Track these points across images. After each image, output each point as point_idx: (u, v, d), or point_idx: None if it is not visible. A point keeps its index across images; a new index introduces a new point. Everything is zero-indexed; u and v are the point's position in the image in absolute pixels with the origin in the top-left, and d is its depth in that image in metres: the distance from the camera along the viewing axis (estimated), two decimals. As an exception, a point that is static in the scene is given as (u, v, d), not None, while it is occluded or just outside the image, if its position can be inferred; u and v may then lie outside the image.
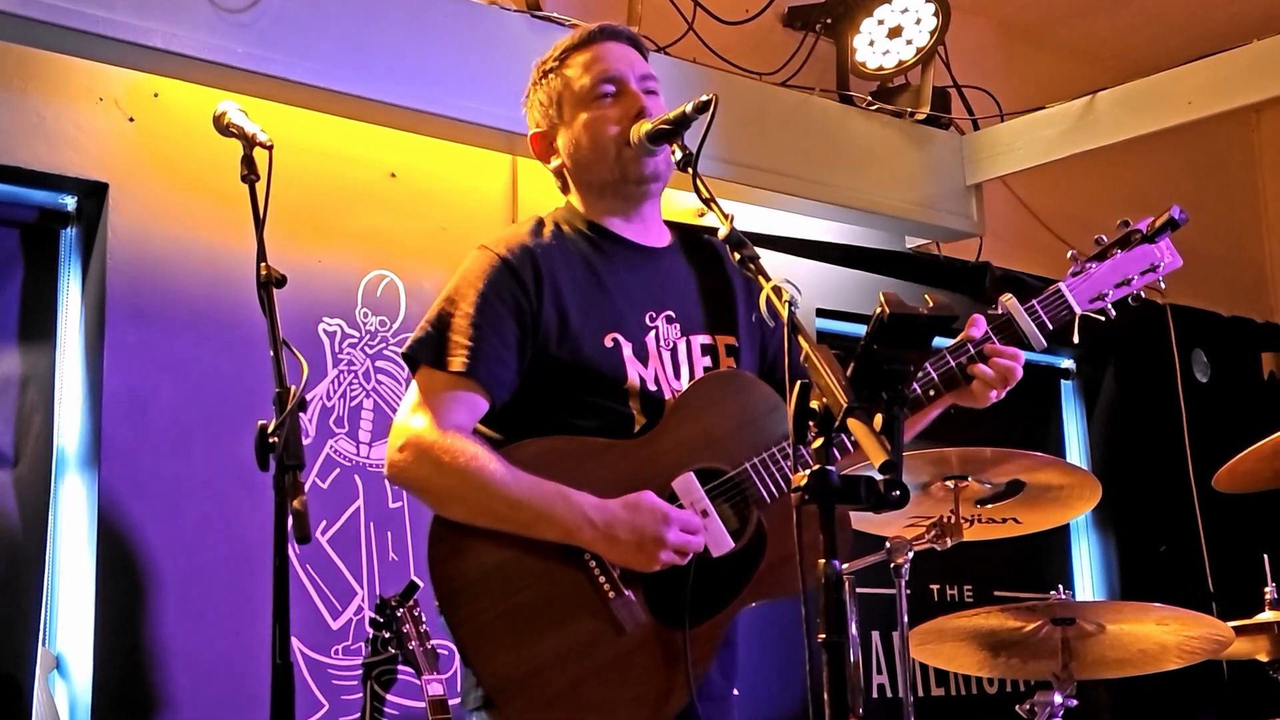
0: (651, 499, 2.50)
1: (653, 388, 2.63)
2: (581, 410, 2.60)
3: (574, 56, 2.76)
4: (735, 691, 2.73)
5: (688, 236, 2.86)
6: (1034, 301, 2.66)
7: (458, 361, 2.55)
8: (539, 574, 2.51)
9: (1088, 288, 2.70)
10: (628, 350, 2.63)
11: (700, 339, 2.72)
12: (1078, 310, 2.68)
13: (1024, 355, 2.64)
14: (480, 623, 2.49)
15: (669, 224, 2.86)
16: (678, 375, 2.67)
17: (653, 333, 2.68)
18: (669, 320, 2.70)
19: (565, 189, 2.82)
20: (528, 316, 2.60)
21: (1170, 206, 2.74)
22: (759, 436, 2.60)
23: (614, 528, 2.48)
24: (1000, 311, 2.65)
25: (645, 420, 2.61)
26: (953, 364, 2.61)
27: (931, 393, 2.62)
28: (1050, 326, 2.66)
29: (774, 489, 2.56)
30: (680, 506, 2.53)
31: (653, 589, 2.52)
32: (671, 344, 2.69)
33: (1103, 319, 2.73)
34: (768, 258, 2.87)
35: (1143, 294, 2.75)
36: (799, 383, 1.96)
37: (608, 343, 2.63)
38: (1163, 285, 2.77)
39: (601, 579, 2.51)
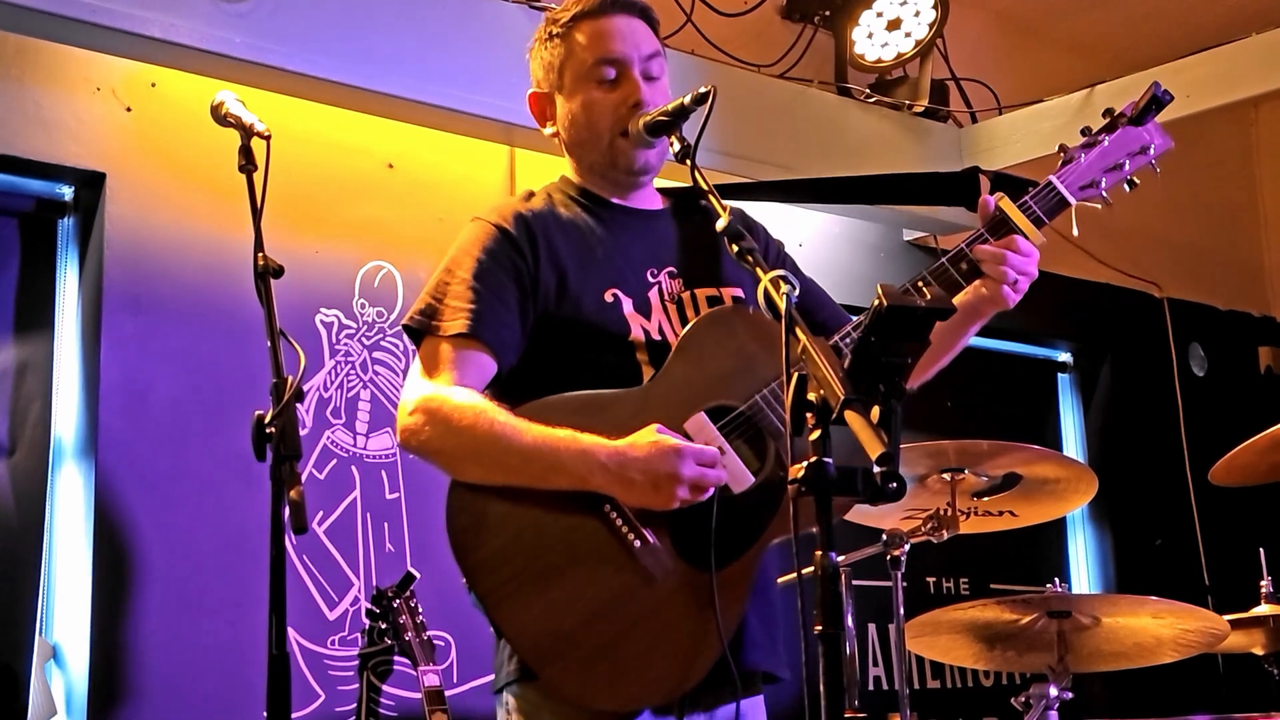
0: (663, 436, 2.44)
1: (658, 338, 2.61)
2: (589, 369, 2.58)
3: (583, 24, 2.72)
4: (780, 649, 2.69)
5: (681, 199, 2.85)
6: (1026, 197, 2.66)
7: (459, 324, 2.54)
8: (561, 533, 2.47)
9: (1078, 176, 2.69)
10: (628, 305, 2.62)
11: (705, 291, 2.70)
12: (1072, 200, 2.68)
13: (1023, 244, 2.63)
14: (507, 591, 2.45)
15: (661, 191, 2.86)
16: (685, 326, 2.64)
17: (655, 288, 2.66)
18: (671, 276, 2.69)
19: (563, 152, 2.83)
20: (526, 279, 2.59)
21: (1151, 84, 2.73)
22: (766, 368, 2.54)
23: (626, 469, 2.42)
24: (995, 211, 2.65)
25: (654, 370, 2.59)
26: (950, 270, 2.60)
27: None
28: (1045, 219, 2.66)
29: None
30: None
31: (679, 532, 2.47)
32: (676, 296, 2.67)
33: (1099, 206, 2.72)
34: (757, 210, 2.88)
35: (1137, 180, 2.73)
36: (796, 374, 1.96)
37: (608, 298, 2.61)
38: (1157, 169, 2.75)
39: (623, 527, 2.45)
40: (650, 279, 2.68)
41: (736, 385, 2.56)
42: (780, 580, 2.70)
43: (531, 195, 2.75)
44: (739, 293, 2.73)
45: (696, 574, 2.47)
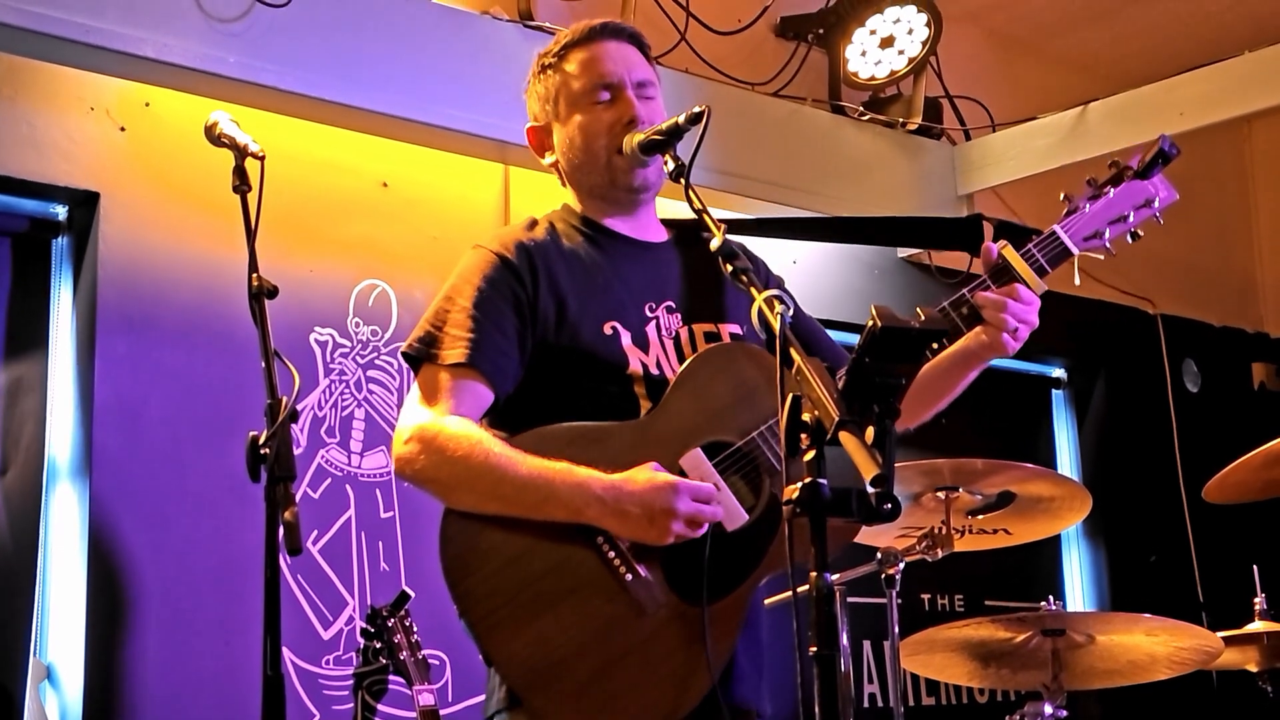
0: (659, 471, 2.47)
1: (655, 373, 2.63)
2: (587, 398, 2.60)
3: (574, 53, 2.76)
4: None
5: (684, 231, 2.86)
6: (1030, 245, 2.67)
7: (457, 353, 2.55)
8: (553, 562, 2.48)
9: (1082, 226, 2.70)
10: (626, 339, 2.63)
11: (703, 327, 2.72)
12: (1075, 250, 2.68)
13: (1025, 292, 2.64)
14: (498, 618, 2.47)
15: (665, 222, 2.87)
16: (681, 362, 2.65)
17: (653, 323, 2.68)
18: (669, 310, 2.71)
19: (563, 182, 2.84)
20: (525, 308, 2.60)
21: (1159, 138, 2.73)
22: (763, 405, 2.56)
23: (622, 502, 2.44)
24: (997, 258, 2.66)
25: (651, 404, 2.60)
26: (951, 314, 2.61)
27: (935, 346, 2.61)
28: (1048, 269, 2.66)
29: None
30: None
31: (671, 566, 2.49)
32: (674, 332, 2.69)
33: (1101, 256, 2.73)
34: (757, 244, 2.89)
35: (1141, 232, 2.74)
36: (790, 395, 1.96)
37: (607, 330, 2.63)
38: (1160, 221, 2.76)
39: (615, 560, 2.47)
40: (649, 313, 2.69)
41: (734, 421, 2.58)
42: (768, 601, 2.70)
43: (534, 223, 2.76)
44: (736, 329, 2.75)
45: (687, 608, 2.49)
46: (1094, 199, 2.72)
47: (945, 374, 2.75)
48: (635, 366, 2.62)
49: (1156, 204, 2.74)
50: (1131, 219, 2.72)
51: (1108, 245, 2.71)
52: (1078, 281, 2.72)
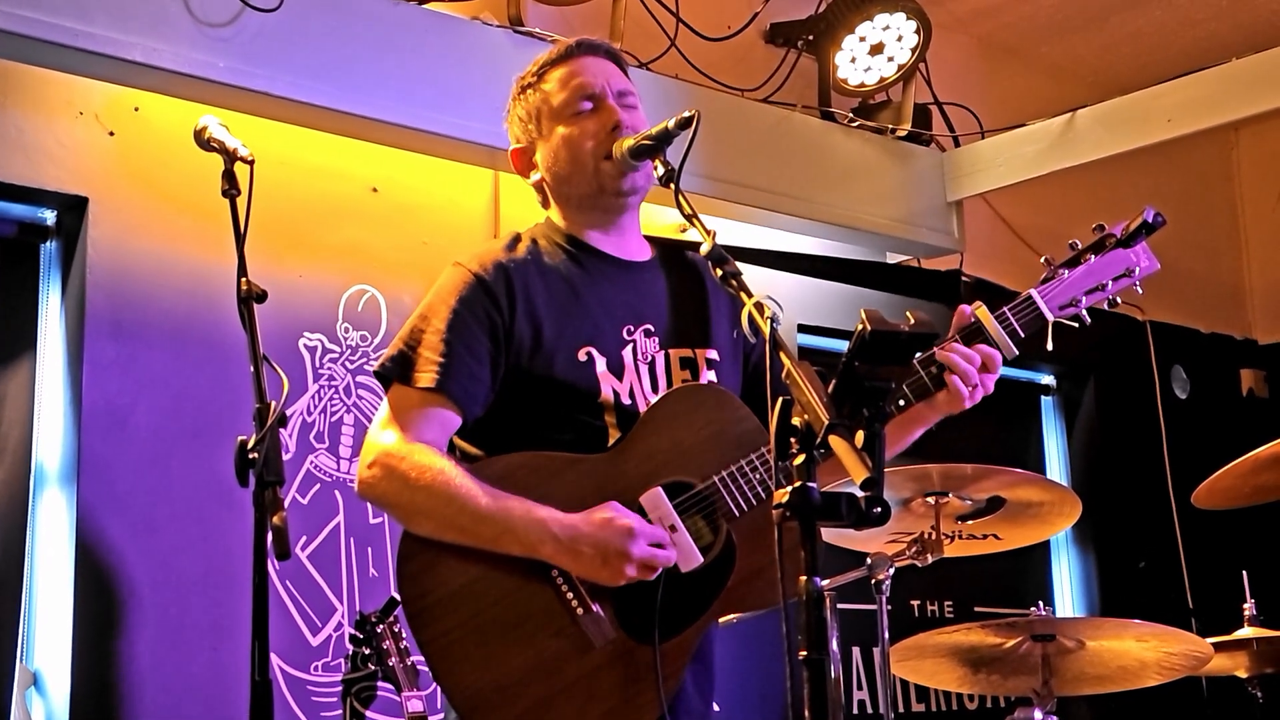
0: (617, 512, 2.49)
1: (627, 401, 2.64)
2: (557, 424, 2.61)
3: (552, 71, 2.77)
4: (716, 707, 2.72)
5: (668, 251, 2.86)
6: (1005, 309, 2.66)
7: (428, 377, 2.56)
8: (508, 590, 2.51)
9: (1059, 294, 2.68)
10: (601, 365, 2.64)
11: (680, 352, 2.73)
12: (1049, 317, 2.66)
13: (991, 354, 2.62)
14: (449, 640, 2.50)
15: (649, 239, 2.86)
16: (655, 389, 2.67)
17: (630, 346, 2.68)
18: (648, 334, 2.71)
19: (545, 203, 2.84)
20: (500, 331, 2.61)
21: (1144, 209, 2.72)
22: (728, 450, 2.59)
23: (578, 542, 2.47)
24: (971, 319, 2.65)
25: (620, 434, 2.61)
26: (921, 374, 2.60)
27: (901, 402, 2.61)
28: (1021, 334, 2.65)
29: (743, 503, 2.56)
30: (649, 521, 2.52)
31: (622, 604, 2.52)
32: (650, 357, 2.69)
33: (1076, 325, 2.72)
34: (744, 272, 2.89)
35: (1119, 300, 2.73)
36: (780, 399, 1.96)
37: (581, 357, 2.63)
38: (1140, 290, 2.75)
39: (569, 594, 2.51)
40: (626, 336, 2.69)
41: (697, 463, 2.59)
42: (722, 620, 2.70)
43: (516, 241, 2.75)
44: (713, 354, 2.76)
45: (635, 645, 2.52)
46: (1074, 265, 2.69)
47: (900, 425, 2.74)
48: (607, 394, 2.63)
49: (1137, 273, 2.70)
50: (1109, 288, 2.69)
51: (1083, 313, 2.69)
52: (1050, 347, 2.69)
